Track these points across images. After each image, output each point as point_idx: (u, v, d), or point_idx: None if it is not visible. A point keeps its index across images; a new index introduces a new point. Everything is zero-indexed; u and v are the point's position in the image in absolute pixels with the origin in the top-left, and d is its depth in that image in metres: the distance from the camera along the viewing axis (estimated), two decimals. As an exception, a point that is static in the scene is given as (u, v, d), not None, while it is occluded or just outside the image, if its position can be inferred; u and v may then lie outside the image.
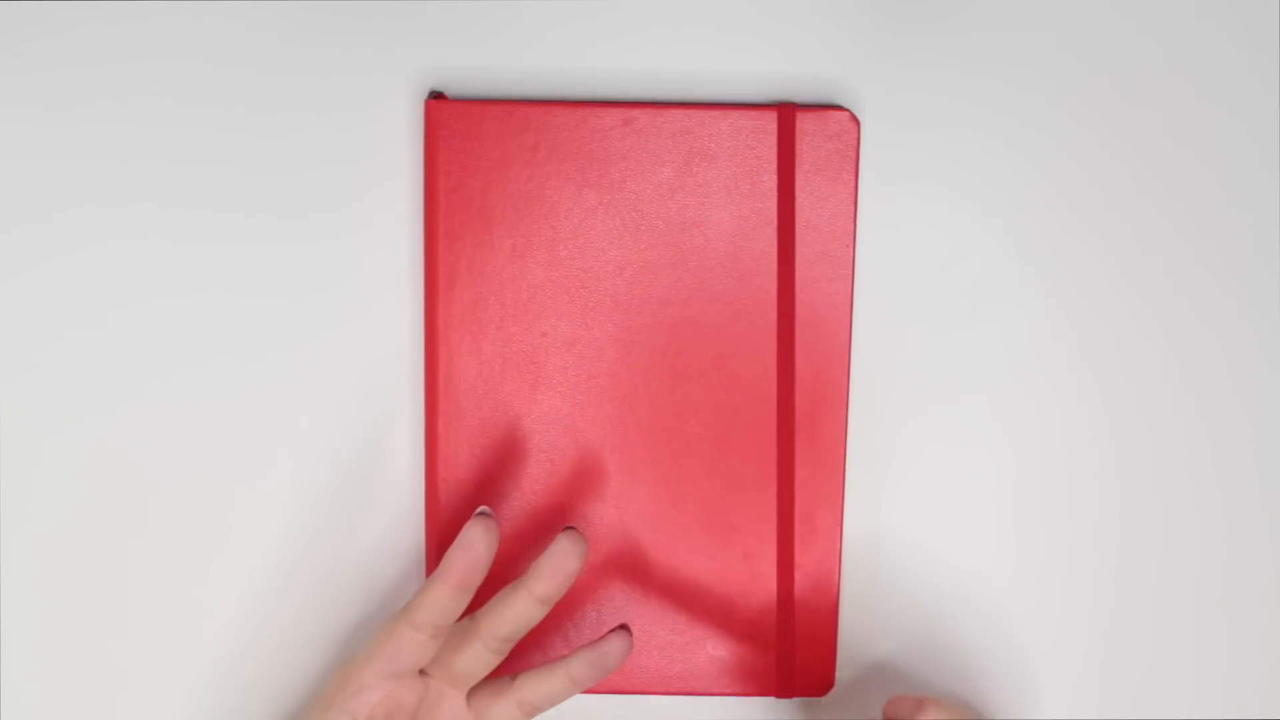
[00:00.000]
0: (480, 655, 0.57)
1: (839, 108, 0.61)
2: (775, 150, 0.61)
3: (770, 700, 0.65)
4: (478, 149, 0.61)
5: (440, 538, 0.63)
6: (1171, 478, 0.65)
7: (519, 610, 0.56)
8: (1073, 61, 0.63)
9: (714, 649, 0.64)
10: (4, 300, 0.63)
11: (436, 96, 0.61)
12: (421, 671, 0.58)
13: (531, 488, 0.63)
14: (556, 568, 0.55)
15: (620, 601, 0.63)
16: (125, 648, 0.65)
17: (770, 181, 0.62)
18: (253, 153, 0.63)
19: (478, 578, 0.55)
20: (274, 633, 0.65)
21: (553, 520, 0.63)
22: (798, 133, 0.61)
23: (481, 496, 0.62)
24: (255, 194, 0.63)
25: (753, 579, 0.63)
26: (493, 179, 0.61)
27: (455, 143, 0.61)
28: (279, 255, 0.63)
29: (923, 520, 0.65)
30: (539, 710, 0.58)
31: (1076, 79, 0.63)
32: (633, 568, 0.63)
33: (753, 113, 0.61)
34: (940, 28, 0.63)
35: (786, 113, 0.61)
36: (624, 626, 0.57)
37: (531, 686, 0.58)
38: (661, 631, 0.63)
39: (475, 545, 0.55)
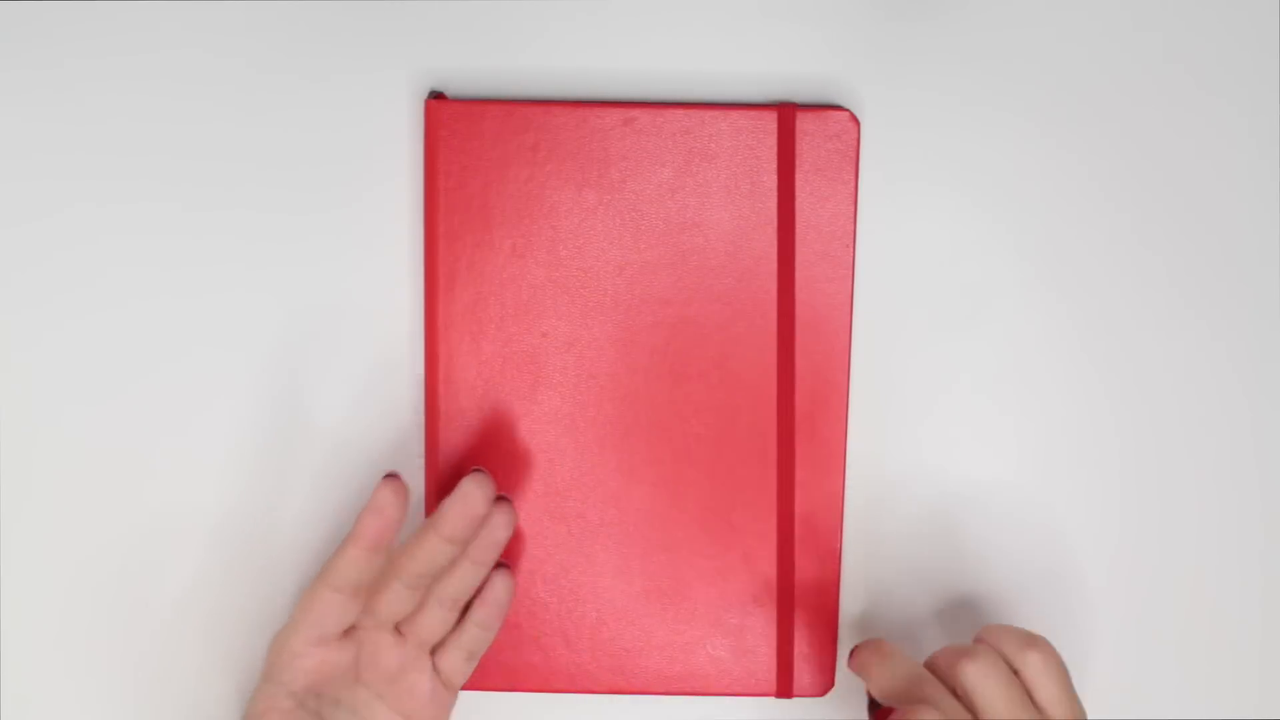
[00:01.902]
0: (400, 594, 0.59)
1: (839, 108, 0.61)
2: (775, 150, 0.61)
3: (770, 700, 0.65)
4: (478, 149, 0.61)
5: (440, 538, 0.63)
6: (1174, 475, 0.65)
7: (428, 548, 0.58)
8: (1073, 58, 0.63)
9: (714, 649, 0.64)
10: (4, 295, 0.63)
11: (436, 96, 0.61)
12: (350, 631, 0.59)
13: (531, 488, 0.63)
14: (461, 510, 0.58)
15: (620, 601, 0.63)
16: (117, 648, 0.65)
17: (770, 181, 0.62)
18: (253, 151, 0.63)
19: (390, 538, 0.57)
20: (271, 633, 0.65)
21: (552, 521, 0.63)
22: (798, 133, 0.61)
23: (481, 496, 0.63)
24: (255, 192, 0.63)
25: (753, 579, 0.63)
26: (493, 179, 0.61)
27: (455, 142, 0.61)
28: (278, 253, 0.63)
29: (923, 520, 0.65)
30: (476, 654, 0.61)
31: (1077, 76, 0.63)
32: (633, 568, 0.63)
33: (753, 113, 0.61)
34: (940, 26, 0.63)
35: (786, 113, 0.61)
36: (501, 564, 0.61)
37: (465, 635, 0.61)
38: (661, 631, 0.63)
39: (385, 508, 0.57)
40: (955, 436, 0.64)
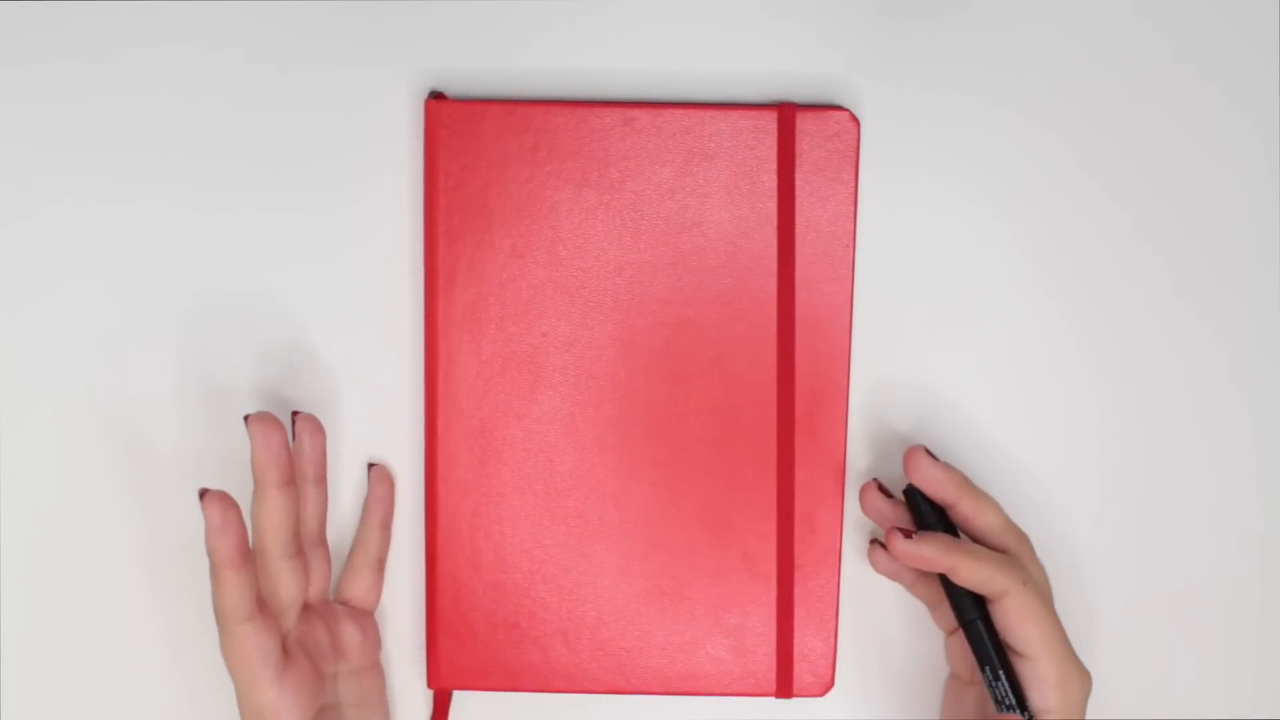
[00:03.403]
0: (284, 572, 0.58)
1: (839, 107, 0.61)
2: (775, 150, 0.61)
3: (770, 700, 0.65)
4: (478, 149, 0.61)
5: (440, 537, 0.63)
6: (1173, 476, 0.65)
7: (269, 509, 0.57)
8: (1073, 57, 0.63)
9: (714, 649, 0.64)
10: (2, 293, 0.63)
11: (436, 96, 0.61)
12: (288, 649, 0.58)
13: (531, 487, 0.63)
14: (262, 448, 0.57)
15: (620, 601, 0.63)
16: (117, 650, 0.65)
17: (770, 181, 0.62)
18: (252, 150, 0.63)
19: (246, 546, 0.55)
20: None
21: (551, 520, 0.63)
22: (798, 132, 0.61)
23: (481, 496, 0.62)
24: (254, 191, 0.63)
25: (753, 579, 0.63)
26: (493, 179, 0.61)
27: (455, 142, 0.61)
28: (277, 253, 0.63)
29: (923, 520, 0.65)
30: (382, 561, 0.63)
31: (1077, 74, 0.63)
32: (633, 568, 0.63)
33: (753, 113, 0.61)
34: (939, 25, 0.63)
35: (786, 113, 0.61)
36: (371, 465, 0.63)
37: (368, 543, 0.63)
38: (661, 631, 0.63)
39: (224, 524, 0.55)
40: (955, 436, 0.64)
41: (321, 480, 0.61)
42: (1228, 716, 0.66)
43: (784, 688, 0.64)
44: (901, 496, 0.61)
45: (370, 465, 0.63)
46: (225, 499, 0.55)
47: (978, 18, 0.63)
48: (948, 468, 0.59)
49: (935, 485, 0.59)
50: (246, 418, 0.57)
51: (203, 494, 0.55)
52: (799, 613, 0.63)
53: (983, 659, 0.59)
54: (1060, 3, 0.63)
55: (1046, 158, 0.63)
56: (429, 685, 0.64)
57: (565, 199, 0.62)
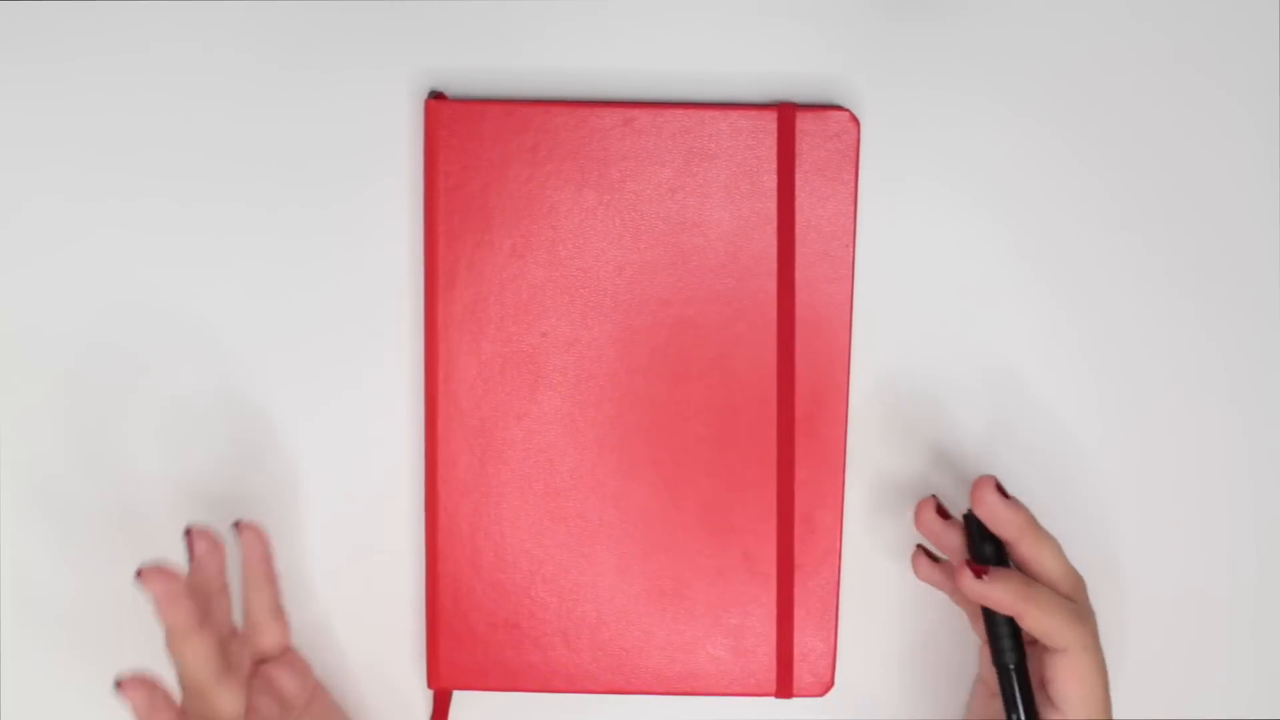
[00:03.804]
0: (219, 694, 0.57)
1: (839, 108, 0.61)
2: (775, 150, 0.61)
3: (770, 700, 0.65)
4: (478, 149, 0.61)
5: (440, 537, 0.63)
6: (1172, 475, 0.65)
7: (192, 655, 0.56)
8: (1073, 57, 0.63)
9: (714, 649, 0.64)
10: (4, 289, 0.63)
11: (436, 96, 0.61)
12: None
13: (531, 487, 0.63)
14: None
15: (620, 601, 0.63)
16: (114, 650, 0.65)
17: (770, 181, 0.62)
18: (252, 149, 0.63)
19: (199, 614, 0.55)
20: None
21: (552, 521, 0.63)
22: (798, 132, 0.61)
23: (481, 496, 0.62)
24: (254, 190, 0.63)
25: (753, 579, 0.63)
26: (493, 179, 0.61)
27: (455, 142, 0.61)
28: (278, 254, 0.63)
29: (923, 520, 0.65)
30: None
31: (1077, 75, 0.63)
32: (633, 568, 0.63)
33: (753, 113, 0.61)
34: (940, 26, 0.63)
35: (786, 113, 0.61)
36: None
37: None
38: (661, 631, 0.63)
39: (172, 598, 0.55)
40: (955, 436, 0.64)
41: (271, 579, 0.61)
42: (1228, 716, 0.66)
43: (784, 688, 0.64)
44: (959, 518, 0.60)
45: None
46: (164, 573, 0.54)
47: (978, 18, 0.63)
48: (1016, 507, 0.57)
49: (1000, 525, 0.57)
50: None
51: (139, 574, 0.54)
52: (799, 613, 0.63)
53: (1010, 706, 0.57)
54: (1060, 3, 0.63)
55: (1046, 158, 0.63)
56: (429, 685, 0.64)
57: (565, 199, 0.62)
